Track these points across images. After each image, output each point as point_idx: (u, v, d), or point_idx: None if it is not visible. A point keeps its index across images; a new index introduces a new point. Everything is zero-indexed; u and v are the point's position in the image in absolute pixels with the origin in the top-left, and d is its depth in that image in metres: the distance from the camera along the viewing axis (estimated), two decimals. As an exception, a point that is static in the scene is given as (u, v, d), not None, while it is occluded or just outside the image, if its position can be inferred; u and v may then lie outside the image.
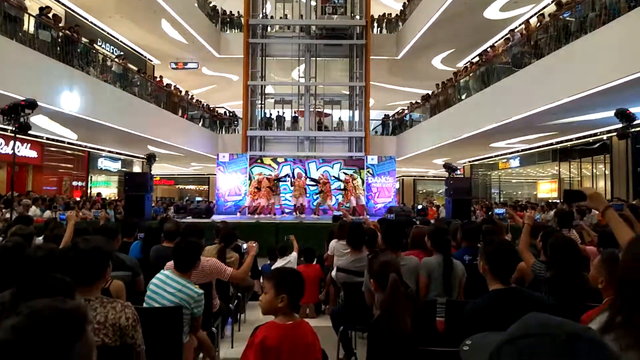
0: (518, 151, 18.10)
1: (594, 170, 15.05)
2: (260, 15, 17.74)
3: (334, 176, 15.43)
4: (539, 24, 11.43)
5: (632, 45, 7.55)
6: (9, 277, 2.24)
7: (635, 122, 7.87)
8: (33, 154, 14.54)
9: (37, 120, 11.07)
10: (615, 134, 10.09)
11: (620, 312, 1.39)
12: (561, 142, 15.18)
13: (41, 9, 11.09)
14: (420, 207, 15.33)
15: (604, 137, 13.29)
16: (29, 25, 10.24)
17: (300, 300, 2.26)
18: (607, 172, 13.98)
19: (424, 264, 3.59)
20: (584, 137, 13.98)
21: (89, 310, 1.11)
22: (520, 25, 14.40)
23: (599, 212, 2.21)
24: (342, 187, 15.08)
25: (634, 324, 1.34)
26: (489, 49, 15.70)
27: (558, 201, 14.55)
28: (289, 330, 2.12)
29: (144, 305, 3.09)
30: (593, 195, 2.24)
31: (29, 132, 7.63)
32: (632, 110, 7.76)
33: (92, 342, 1.09)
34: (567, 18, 9.96)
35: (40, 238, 4.81)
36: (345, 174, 15.40)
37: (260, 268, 6.68)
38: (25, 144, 13.96)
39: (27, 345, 0.95)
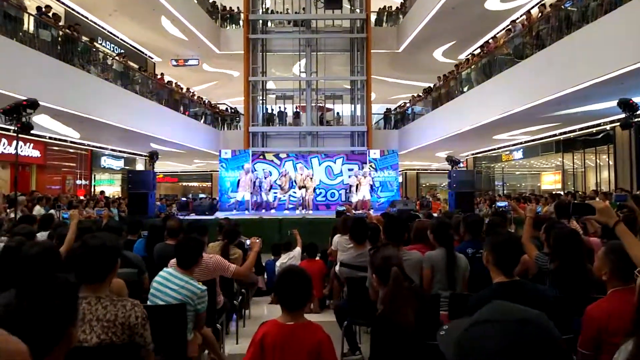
0: (521, 143, 18.02)
1: (598, 161, 14.98)
2: (260, 11, 17.68)
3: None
4: (540, 14, 11.35)
5: (635, 34, 7.49)
6: (10, 276, 2.24)
7: (638, 112, 7.82)
8: (36, 153, 14.57)
9: (39, 119, 11.08)
10: (618, 124, 10.03)
11: None
12: (564, 133, 15.10)
13: (39, 8, 11.08)
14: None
15: (608, 127, 13.21)
16: (29, 24, 10.23)
17: (297, 301, 2.19)
18: (610, 162, 13.91)
19: (427, 257, 3.59)
20: (587, 127, 13.90)
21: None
22: (521, 16, 14.30)
23: (610, 226, 2.16)
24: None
25: None
26: (490, 41, 15.60)
27: (561, 192, 14.50)
28: (286, 330, 2.11)
29: (148, 302, 3.10)
30: (603, 209, 2.20)
31: (32, 131, 7.64)
32: (636, 100, 7.71)
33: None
34: (569, 8, 9.88)
35: (45, 234, 4.84)
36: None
37: (264, 264, 6.70)
38: (28, 144, 13.98)
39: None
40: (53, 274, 1.99)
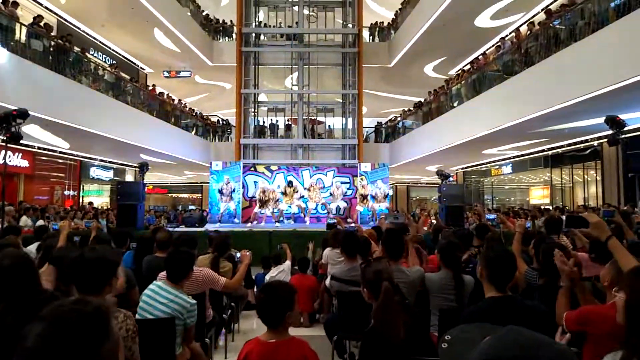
0: (510, 158, 18.20)
1: (585, 176, 15.16)
2: (253, 24, 17.79)
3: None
4: (529, 32, 11.55)
5: (621, 52, 7.64)
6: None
7: (625, 129, 7.94)
8: (24, 163, 14.43)
9: (29, 129, 10.99)
10: (605, 140, 10.17)
11: (636, 353, 1.34)
12: (553, 148, 15.29)
13: (35, 18, 11.07)
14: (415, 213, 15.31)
15: (595, 143, 13.41)
16: (21, 34, 10.20)
17: (275, 317, 2.16)
18: (598, 178, 14.08)
19: (426, 279, 3.54)
20: (575, 143, 14.10)
21: (111, 307, 1.11)
22: (510, 33, 14.55)
23: (602, 240, 2.20)
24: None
25: None
26: (480, 57, 15.84)
27: (550, 207, 14.63)
28: (269, 348, 2.10)
29: (137, 316, 3.06)
30: (596, 223, 2.24)
31: (21, 141, 7.57)
32: (622, 116, 7.83)
33: (118, 337, 1.13)
34: (557, 26, 10.07)
35: (33, 247, 4.78)
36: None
37: (253, 277, 6.65)
38: (17, 154, 13.86)
39: (55, 352, 0.96)
40: (28, 286, 1.98)
